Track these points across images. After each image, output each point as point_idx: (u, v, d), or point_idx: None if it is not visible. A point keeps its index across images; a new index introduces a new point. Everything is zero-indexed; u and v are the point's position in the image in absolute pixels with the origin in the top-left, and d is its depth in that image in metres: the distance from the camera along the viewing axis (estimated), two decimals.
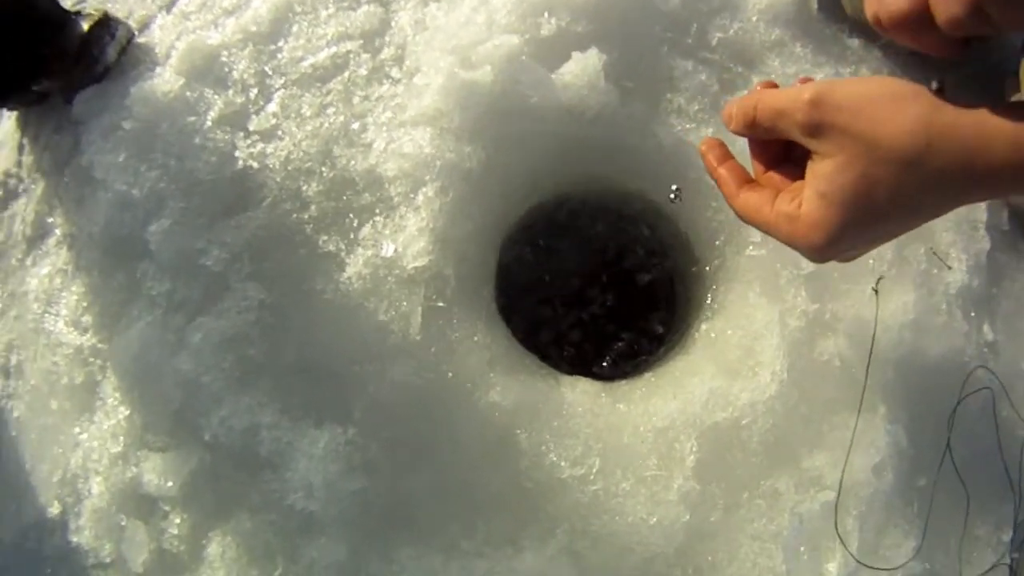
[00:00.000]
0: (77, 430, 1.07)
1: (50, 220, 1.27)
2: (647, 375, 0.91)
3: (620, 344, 0.98)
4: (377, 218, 0.93)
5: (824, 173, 0.47)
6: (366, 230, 0.92)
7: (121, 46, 1.31)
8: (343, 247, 0.94)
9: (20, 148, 1.40)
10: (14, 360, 1.21)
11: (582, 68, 0.97)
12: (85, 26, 1.29)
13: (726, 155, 0.59)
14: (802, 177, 0.50)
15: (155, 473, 0.98)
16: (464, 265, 0.92)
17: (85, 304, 1.12)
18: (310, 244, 0.95)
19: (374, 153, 0.95)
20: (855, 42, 1.19)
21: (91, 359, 1.09)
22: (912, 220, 0.49)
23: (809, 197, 0.48)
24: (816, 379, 0.91)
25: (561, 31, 1.01)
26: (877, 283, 0.97)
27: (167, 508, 0.97)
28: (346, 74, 1.05)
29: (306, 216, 0.96)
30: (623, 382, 0.90)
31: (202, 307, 0.99)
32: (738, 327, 0.90)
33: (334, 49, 1.07)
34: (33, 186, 1.32)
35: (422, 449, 0.88)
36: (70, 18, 1.32)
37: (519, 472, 0.83)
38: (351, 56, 1.07)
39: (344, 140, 0.98)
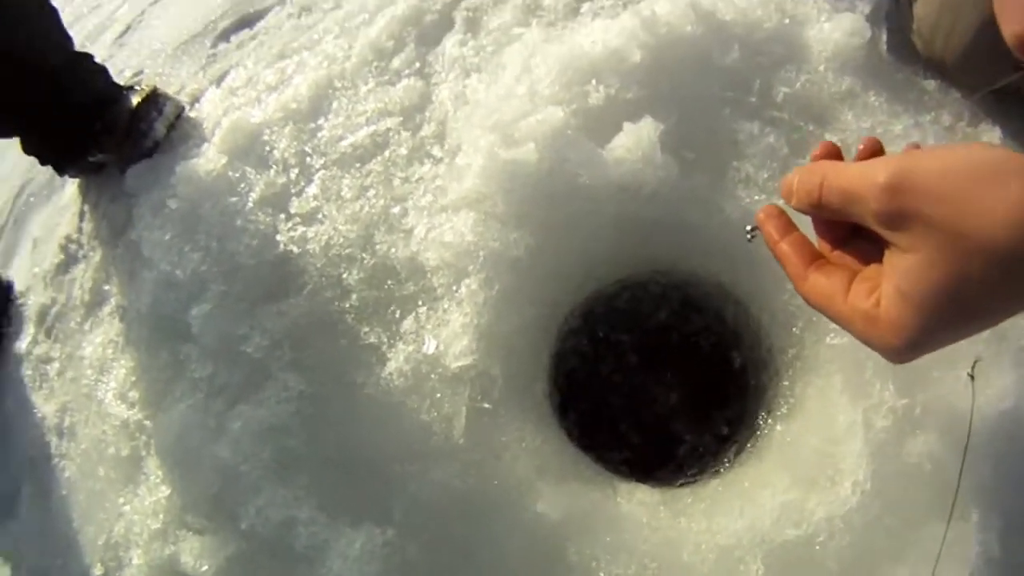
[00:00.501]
0: (121, 500, 1.08)
1: (106, 288, 1.32)
2: (713, 483, 0.84)
3: (684, 446, 0.91)
4: (420, 310, 0.90)
5: (905, 269, 0.41)
6: (408, 323, 0.90)
7: (169, 122, 1.36)
8: (384, 340, 0.91)
9: (81, 215, 1.47)
10: (67, 422, 1.25)
11: (635, 140, 0.91)
12: (135, 101, 1.34)
13: (789, 226, 0.51)
14: (878, 255, 0.44)
15: (191, 555, 0.97)
16: (513, 361, 0.88)
17: (133, 379, 1.14)
18: (351, 335, 0.93)
19: (415, 240, 0.93)
20: (931, 84, 1.10)
21: (136, 433, 1.10)
22: (1008, 315, 0.42)
23: (888, 294, 0.43)
24: (903, 485, 0.82)
25: (610, 99, 0.95)
26: (973, 367, 0.84)
27: None
28: (386, 153, 1.04)
29: (347, 305, 0.95)
30: (686, 490, 0.84)
31: (242, 394, 0.98)
32: (817, 429, 0.82)
33: (374, 127, 1.07)
34: (92, 253, 1.39)
35: (463, 556, 0.83)
36: (122, 93, 1.37)
37: None
38: (391, 134, 1.06)
39: (384, 225, 0.96)
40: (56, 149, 1.42)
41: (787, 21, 1.06)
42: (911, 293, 0.41)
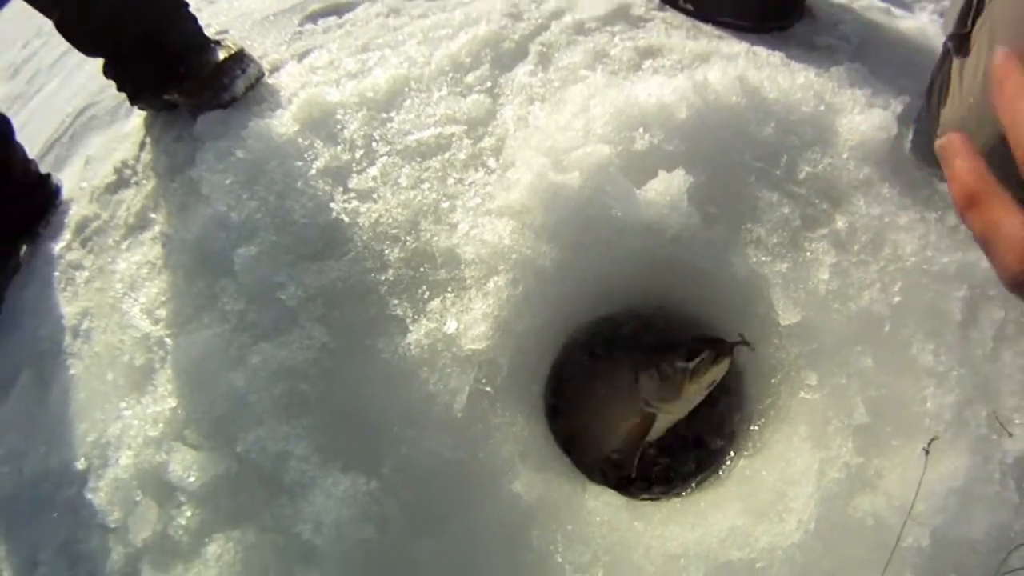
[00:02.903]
0: (123, 405, 1.14)
1: (152, 216, 1.38)
2: (674, 500, 0.92)
3: (657, 467, 0.98)
4: (447, 295, 0.99)
5: None
6: (435, 304, 0.98)
7: (250, 82, 1.44)
8: (410, 314, 0.99)
9: (141, 145, 1.55)
10: (85, 325, 1.30)
11: (667, 187, 1.00)
12: (221, 56, 1.42)
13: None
14: None
15: (182, 465, 1.02)
16: (520, 357, 0.96)
17: (163, 299, 1.20)
18: (380, 304, 1.01)
19: (457, 234, 1.02)
20: (945, 186, 1.15)
21: (154, 348, 1.15)
22: None
23: None
24: (845, 535, 0.88)
25: (653, 148, 1.04)
26: (929, 443, 0.93)
27: (183, 499, 1.01)
28: (446, 155, 1.13)
29: (383, 278, 1.03)
30: (647, 502, 0.91)
31: (268, 334, 1.05)
32: (775, 468, 0.90)
33: (439, 130, 1.16)
34: (145, 181, 1.45)
35: (436, 519, 0.90)
36: (209, 45, 1.46)
37: (523, 565, 0.84)
38: (453, 139, 1.15)
39: (432, 216, 1.05)
40: (137, 80, 1.47)
41: (823, 108, 1.16)
42: None
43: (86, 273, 1.39)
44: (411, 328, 0.97)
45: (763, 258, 1.00)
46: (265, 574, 0.92)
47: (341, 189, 1.14)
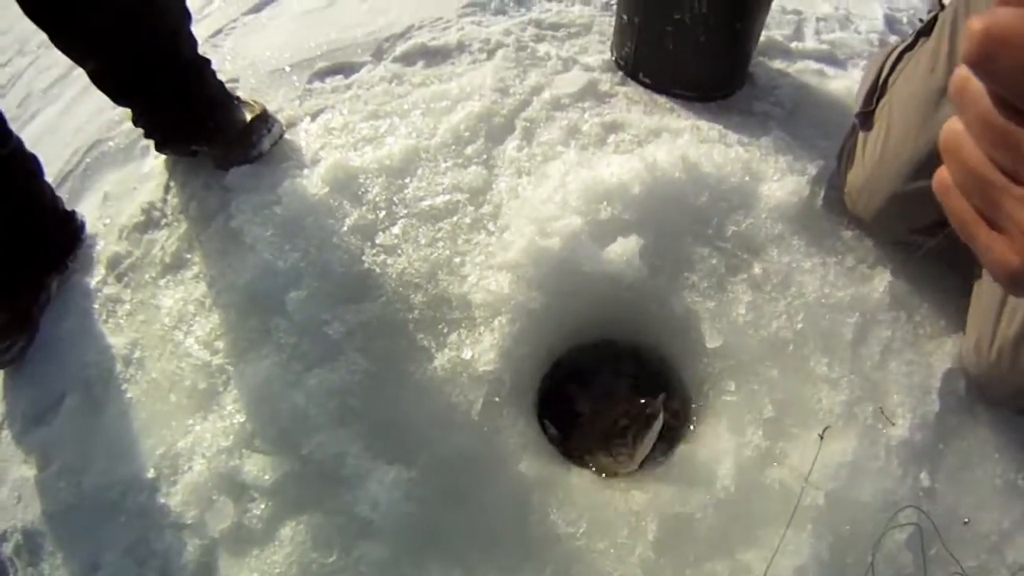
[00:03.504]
0: (190, 421, 1.29)
1: (187, 256, 1.55)
2: (635, 475, 1.23)
3: (621, 453, 1.26)
4: (462, 330, 1.28)
5: None
6: (453, 337, 1.28)
7: (274, 140, 1.65)
8: (433, 345, 1.27)
9: (166, 188, 1.70)
10: (137, 354, 1.42)
11: (623, 249, 1.32)
12: (248, 116, 1.61)
13: None
14: None
15: (254, 467, 1.20)
16: (518, 376, 1.26)
17: (219, 332, 1.38)
18: (409, 337, 1.28)
19: (467, 283, 1.31)
20: (849, 233, 1.46)
21: (216, 374, 1.33)
22: None
23: None
24: (758, 495, 1.14)
25: (614, 217, 1.36)
26: (824, 431, 1.18)
27: (256, 495, 1.18)
28: (454, 218, 1.41)
29: (410, 316, 1.30)
30: (615, 477, 1.22)
31: (320, 362, 1.27)
32: (706, 450, 1.20)
33: (448, 197, 1.44)
34: (176, 224, 1.61)
35: (460, 495, 1.15)
36: (233, 102, 1.64)
37: (529, 523, 1.12)
38: (459, 205, 1.44)
39: (446, 268, 1.34)
40: (166, 131, 1.62)
41: (748, 178, 1.48)
42: None
43: (127, 307, 1.51)
44: (435, 355, 1.25)
45: (696, 298, 1.32)
46: (331, 546, 1.12)
47: (369, 244, 1.39)
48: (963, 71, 0.33)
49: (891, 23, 2.34)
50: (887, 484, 1.17)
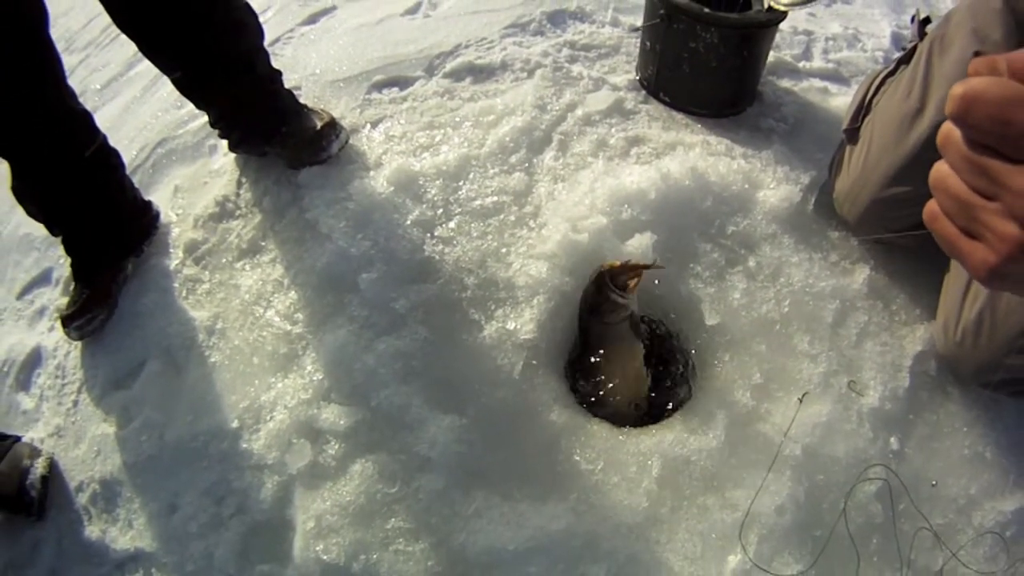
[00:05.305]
0: (272, 379, 1.49)
1: (263, 244, 1.77)
2: (644, 426, 1.50)
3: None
4: (507, 307, 1.55)
5: None
6: (499, 312, 1.56)
7: (341, 145, 1.86)
8: (483, 318, 1.54)
9: (239, 183, 1.92)
10: (219, 325, 1.63)
11: (640, 243, 1.60)
12: (318, 124, 1.81)
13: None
14: None
15: (330, 415, 1.40)
16: (552, 343, 1.54)
17: (298, 306, 1.60)
18: (463, 312, 1.54)
19: (512, 269, 1.60)
20: (836, 233, 1.68)
21: (296, 341, 1.55)
22: None
23: None
24: (744, 444, 1.36)
25: (633, 217, 1.64)
26: (803, 396, 1.39)
27: (331, 438, 1.38)
28: (501, 216, 1.69)
29: (463, 295, 1.56)
30: (625, 428, 1.50)
31: (387, 331, 1.51)
32: (703, 408, 1.47)
33: (495, 198, 1.72)
34: (250, 215, 1.83)
35: (502, 438, 1.38)
36: (304, 110, 1.85)
37: (557, 461, 1.36)
38: (505, 206, 1.71)
39: (494, 257, 1.63)
40: (243, 133, 1.83)
41: (747, 186, 1.75)
42: None
43: (206, 286, 1.73)
44: (484, 327, 1.50)
45: (699, 285, 1.60)
46: (394, 480, 1.33)
47: (429, 236, 1.63)
48: (947, 125, 0.43)
49: (897, 41, 2.57)
50: (858, 444, 1.35)
